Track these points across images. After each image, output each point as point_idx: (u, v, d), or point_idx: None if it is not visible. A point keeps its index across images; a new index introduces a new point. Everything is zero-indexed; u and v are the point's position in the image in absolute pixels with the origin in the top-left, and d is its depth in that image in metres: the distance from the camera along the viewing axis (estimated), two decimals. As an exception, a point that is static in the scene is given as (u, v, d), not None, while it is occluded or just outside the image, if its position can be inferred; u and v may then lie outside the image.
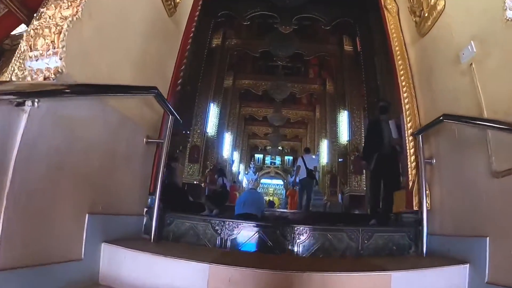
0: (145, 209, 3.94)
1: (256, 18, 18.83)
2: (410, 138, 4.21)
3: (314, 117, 25.27)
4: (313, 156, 13.01)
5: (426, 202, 3.75)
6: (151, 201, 3.89)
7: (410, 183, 4.12)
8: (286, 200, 24.42)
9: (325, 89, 21.31)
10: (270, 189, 34.28)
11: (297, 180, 11.33)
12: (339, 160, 17.49)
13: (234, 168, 24.68)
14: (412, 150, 4.20)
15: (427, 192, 3.77)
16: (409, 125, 4.23)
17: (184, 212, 8.43)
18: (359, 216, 9.98)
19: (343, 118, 16.41)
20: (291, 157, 35.37)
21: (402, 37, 4.63)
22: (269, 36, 14.71)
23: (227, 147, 20.42)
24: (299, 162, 11.09)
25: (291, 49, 14.80)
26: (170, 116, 3.64)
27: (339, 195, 19.30)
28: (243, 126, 28.78)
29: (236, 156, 25.41)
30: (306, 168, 10.60)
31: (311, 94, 25.87)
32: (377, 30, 11.76)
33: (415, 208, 3.98)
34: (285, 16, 13.42)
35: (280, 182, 34.08)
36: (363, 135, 15.80)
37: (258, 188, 33.25)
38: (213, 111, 16.53)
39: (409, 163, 4.21)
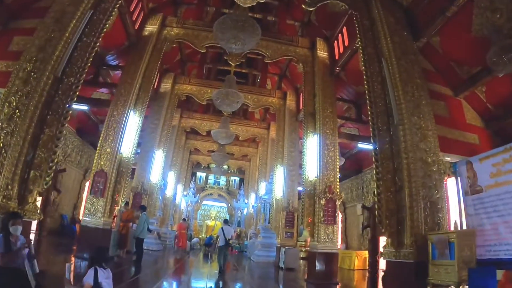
0: None
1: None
2: None
3: (268, 137, 20.52)
4: (231, 227, 12.82)
5: None
6: None
7: None
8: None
9: (285, 104, 16.71)
10: (212, 212, 29.01)
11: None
12: (301, 191, 12.68)
13: (169, 191, 19.20)
14: None
15: None
16: None
17: None
18: None
19: (311, 144, 11.70)
20: (237, 178, 30.32)
21: None
22: (221, 21, 9.68)
23: (157, 168, 15.03)
24: (219, 232, 11.06)
25: (250, 43, 9.88)
26: None
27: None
28: (184, 140, 23.46)
29: (171, 176, 19.97)
30: (225, 237, 10.57)
31: (266, 109, 21.19)
32: (387, 23, 7.29)
33: None
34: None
35: (224, 205, 28.88)
36: (337, 170, 11.24)
37: (198, 211, 27.95)
38: (134, 122, 11.22)
39: None
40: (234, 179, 30.30)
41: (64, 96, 6.28)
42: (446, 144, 6.75)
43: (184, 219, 22.14)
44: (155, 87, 15.66)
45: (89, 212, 9.88)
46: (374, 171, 6.40)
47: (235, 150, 24.41)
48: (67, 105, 6.17)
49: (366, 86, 7.09)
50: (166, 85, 16.24)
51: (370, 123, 6.68)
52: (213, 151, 20.87)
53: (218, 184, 29.55)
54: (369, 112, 6.83)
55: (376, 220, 6.90)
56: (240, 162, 27.57)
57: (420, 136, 6.29)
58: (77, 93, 6.39)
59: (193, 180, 28.00)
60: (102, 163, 10.22)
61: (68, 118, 6.17)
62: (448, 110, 8.01)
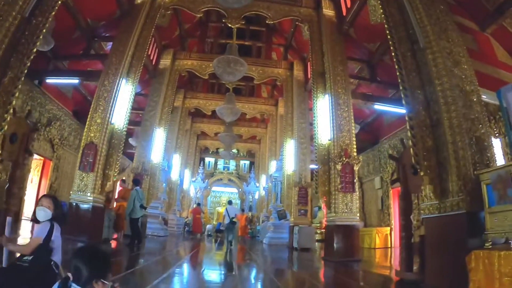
0: None
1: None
2: None
3: (276, 114, 19.37)
4: (235, 206, 13.75)
5: None
6: None
7: None
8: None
9: (292, 75, 15.52)
10: (223, 198, 28.10)
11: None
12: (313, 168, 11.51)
13: (174, 175, 18.22)
14: None
15: None
16: None
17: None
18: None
19: (322, 105, 10.55)
20: (247, 162, 29.23)
21: None
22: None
23: (159, 148, 14.04)
24: (224, 213, 11.99)
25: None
26: None
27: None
28: (190, 124, 22.43)
29: (177, 158, 18.95)
30: (229, 217, 11.24)
31: (273, 86, 20.08)
32: None
33: None
34: None
35: (235, 190, 27.91)
36: (353, 132, 10.08)
37: (208, 197, 27.10)
38: (126, 91, 10.17)
39: None
40: (244, 163, 29.23)
41: (30, 36, 5.28)
42: (480, 79, 5.50)
43: (198, 204, 21.52)
44: (153, 63, 14.66)
45: (78, 188, 8.81)
46: (403, 101, 5.16)
47: (243, 131, 23.28)
48: (32, 44, 5.17)
49: (382, 11, 5.90)
50: (165, 61, 15.19)
51: (392, 47, 5.48)
52: (219, 133, 19.86)
53: (228, 169, 28.56)
54: (389, 37, 5.62)
55: (406, 174, 5.72)
56: (249, 145, 26.45)
57: (453, 61, 5.07)
58: (44, 31, 5.37)
59: (201, 165, 27.03)
60: (92, 135, 9.15)
61: (32, 57, 5.15)
62: (478, 45, 6.80)
